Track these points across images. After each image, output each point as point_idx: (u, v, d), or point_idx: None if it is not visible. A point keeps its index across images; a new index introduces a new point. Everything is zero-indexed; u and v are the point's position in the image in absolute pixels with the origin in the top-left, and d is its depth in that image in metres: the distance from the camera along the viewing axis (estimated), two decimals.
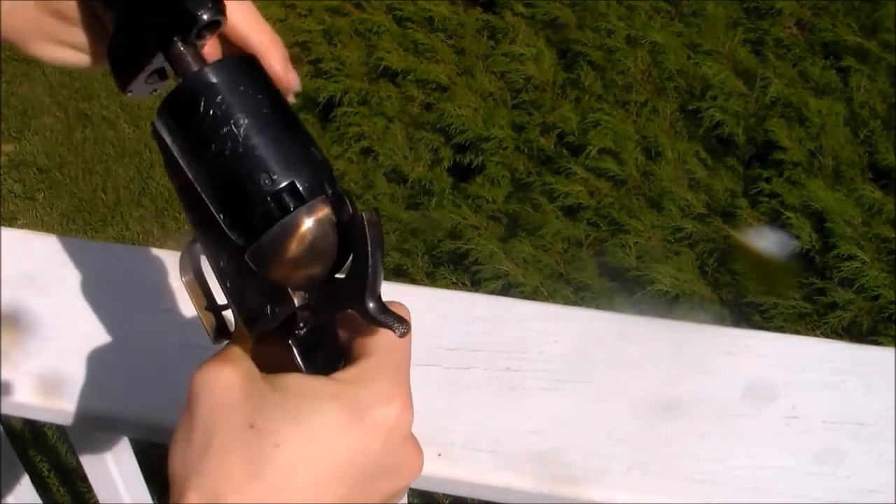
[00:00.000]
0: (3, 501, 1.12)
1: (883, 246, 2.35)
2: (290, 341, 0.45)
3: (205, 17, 0.44)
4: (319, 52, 3.16)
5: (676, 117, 2.74)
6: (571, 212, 2.61)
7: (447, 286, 2.51)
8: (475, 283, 2.48)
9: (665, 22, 2.91)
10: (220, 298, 0.49)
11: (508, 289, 2.42)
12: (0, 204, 2.99)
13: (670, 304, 2.36)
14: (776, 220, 2.46)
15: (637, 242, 2.48)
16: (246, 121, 0.43)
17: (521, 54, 2.92)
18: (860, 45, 2.71)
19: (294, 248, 0.42)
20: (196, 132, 0.43)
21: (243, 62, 0.45)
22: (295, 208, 0.42)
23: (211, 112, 0.43)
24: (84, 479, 1.01)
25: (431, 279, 2.58)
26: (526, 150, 2.76)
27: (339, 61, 3.09)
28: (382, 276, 0.43)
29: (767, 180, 2.53)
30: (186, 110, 0.43)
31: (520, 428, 0.71)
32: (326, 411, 0.42)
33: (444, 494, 0.72)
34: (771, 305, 2.33)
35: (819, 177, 2.51)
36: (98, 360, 0.78)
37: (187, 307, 0.80)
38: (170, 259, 0.83)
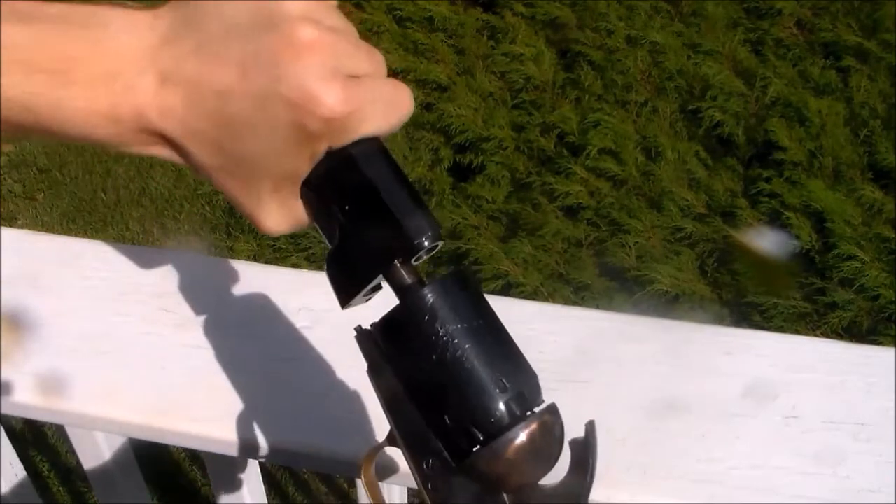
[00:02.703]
0: (3, 501, 1.12)
1: (883, 246, 2.35)
2: None
3: (426, 243, 0.47)
4: None
5: (676, 117, 2.74)
6: (571, 212, 2.61)
7: None
8: None
9: (665, 22, 2.91)
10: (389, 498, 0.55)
11: (508, 289, 2.42)
12: (0, 204, 2.99)
13: (670, 304, 2.36)
14: (776, 220, 2.46)
15: (637, 242, 2.48)
16: (470, 332, 0.46)
17: (521, 54, 2.92)
18: (860, 45, 2.71)
19: (522, 452, 0.45)
20: (420, 345, 0.46)
21: (458, 278, 0.48)
22: (523, 415, 0.46)
23: (435, 326, 0.46)
24: (84, 479, 1.01)
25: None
26: (526, 150, 2.76)
27: None
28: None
29: (767, 180, 2.53)
30: (408, 327, 0.47)
31: None
32: None
33: None
34: (771, 305, 2.33)
35: (819, 177, 2.51)
36: (98, 360, 0.78)
37: (187, 307, 0.80)
38: (170, 259, 0.83)
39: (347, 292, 0.49)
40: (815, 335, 2.25)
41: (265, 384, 0.76)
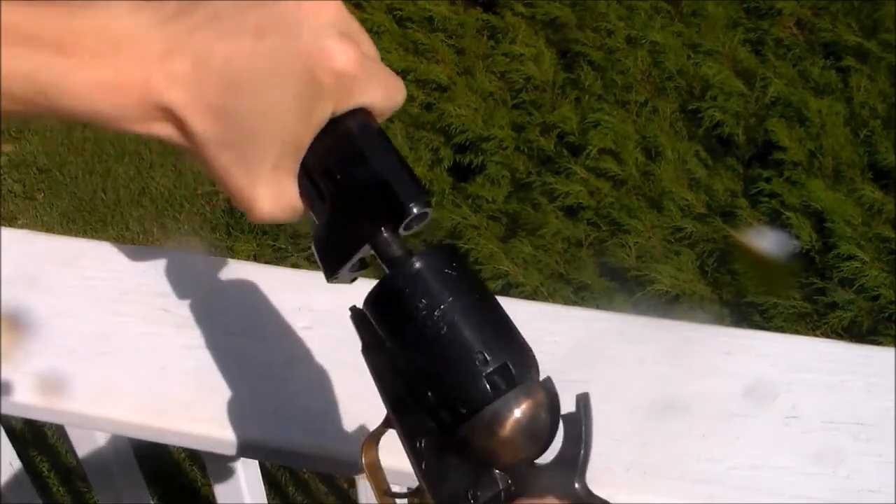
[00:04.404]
0: (3, 501, 1.12)
1: (883, 246, 2.35)
2: None
3: (415, 210, 0.46)
4: None
5: (676, 117, 2.74)
6: (571, 212, 2.61)
7: None
8: None
9: (665, 22, 2.91)
10: (395, 487, 0.52)
11: (508, 289, 2.42)
12: (0, 204, 2.99)
13: (670, 304, 2.36)
14: (776, 220, 2.46)
15: (637, 242, 2.48)
16: (456, 305, 0.45)
17: (521, 54, 2.92)
18: (860, 45, 2.71)
19: (510, 427, 0.44)
20: (406, 317, 0.45)
21: (444, 251, 0.47)
22: (509, 389, 0.44)
23: (421, 298, 0.45)
24: (84, 479, 1.01)
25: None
26: (526, 150, 2.76)
27: None
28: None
29: (767, 180, 2.53)
30: (396, 297, 0.46)
31: None
32: None
33: None
34: (771, 305, 2.33)
35: (819, 177, 2.51)
36: (98, 360, 0.78)
37: (187, 307, 0.80)
38: (170, 259, 0.83)
39: (333, 263, 0.48)
40: (815, 335, 2.25)
41: (265, 384, 0.76)
